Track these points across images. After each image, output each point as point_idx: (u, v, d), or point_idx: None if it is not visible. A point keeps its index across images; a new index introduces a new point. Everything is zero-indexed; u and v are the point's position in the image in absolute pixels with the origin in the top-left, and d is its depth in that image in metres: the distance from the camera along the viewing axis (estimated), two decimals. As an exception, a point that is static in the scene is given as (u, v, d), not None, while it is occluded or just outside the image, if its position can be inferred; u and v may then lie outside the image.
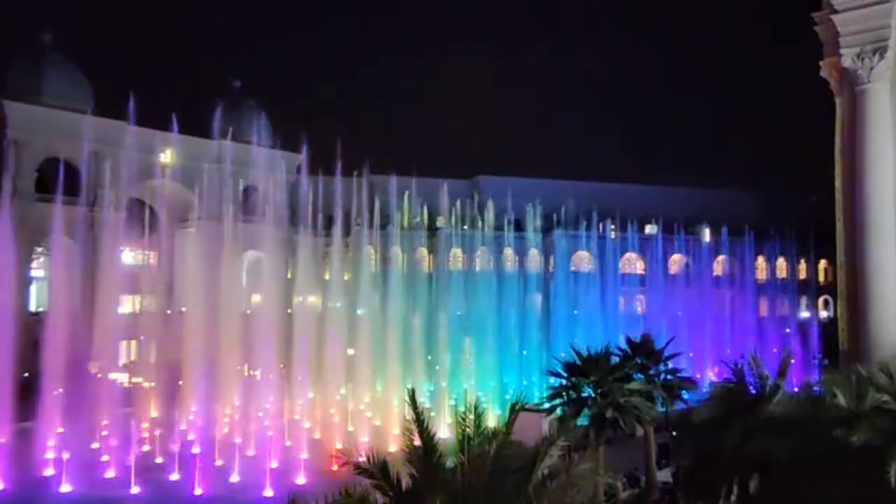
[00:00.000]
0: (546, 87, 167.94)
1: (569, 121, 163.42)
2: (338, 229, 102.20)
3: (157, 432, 50.65)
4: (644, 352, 39.29)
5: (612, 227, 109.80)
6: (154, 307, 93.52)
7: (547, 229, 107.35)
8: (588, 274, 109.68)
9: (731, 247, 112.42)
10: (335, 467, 43.50)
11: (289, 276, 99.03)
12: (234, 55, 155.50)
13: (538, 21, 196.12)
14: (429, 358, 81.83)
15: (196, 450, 46.62)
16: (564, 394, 33.40)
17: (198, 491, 39.78)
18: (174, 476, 42.07)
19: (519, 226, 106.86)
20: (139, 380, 73.79)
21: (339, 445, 48.96)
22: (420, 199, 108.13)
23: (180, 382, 67.70)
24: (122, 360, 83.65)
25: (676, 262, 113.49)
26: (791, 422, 24.51)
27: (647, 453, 38.47)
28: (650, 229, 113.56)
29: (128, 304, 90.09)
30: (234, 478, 42.18)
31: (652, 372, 38.12)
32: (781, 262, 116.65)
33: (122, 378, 75.05)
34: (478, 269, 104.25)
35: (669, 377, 39.12)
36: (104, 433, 51.65)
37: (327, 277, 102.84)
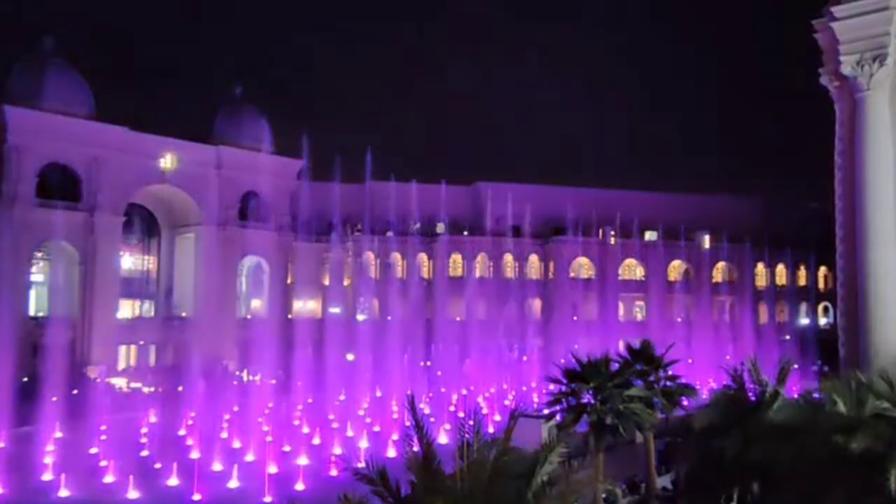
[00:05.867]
0: (546, 94, 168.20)
1: (569, 127, 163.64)
2: (338, 235, 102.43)
3: (156, 437, 50.53)
4: (644, 358, 39.15)
5: (612, 233, 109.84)
6: (153, 312, 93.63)
7: (547, 235, 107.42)
8: (588, 280, 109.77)
9: (731, 253, 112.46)
10: (334, 473, 43.48)
11: (289, 281, 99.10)
12: (235, 61, 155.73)
13: (538, 25, 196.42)
14: (428, 363, 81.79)
15: (195, 455, 46.51)
16: (564, 400, 33.30)
17: (196, 496, 39.65)
18: (173, 481, 41.94)
19: (518, 232, 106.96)
20: (138, 384, 73.71)
21: (338, 451, 48.88)
22: (420, 205, 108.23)
23: (179, 388, 67.64)
24: (121, 365, 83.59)
25: (676, 268, 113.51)
26: (791, 429, 24.47)
27: (647, 460, 38.40)
28: (650, 236, 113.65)
29: (127, 309, 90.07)
30: (233, 483, 42.06)
31: (651, 378, 38.01)
32: (781, 269, 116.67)
33: (120, 383, 74.95)
34: (477, 275, 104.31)
35: (669, 383, 39.00)
36: (103, 438, 51.51)
37: (327, 283, 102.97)
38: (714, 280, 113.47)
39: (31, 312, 79.10)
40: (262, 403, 62.33)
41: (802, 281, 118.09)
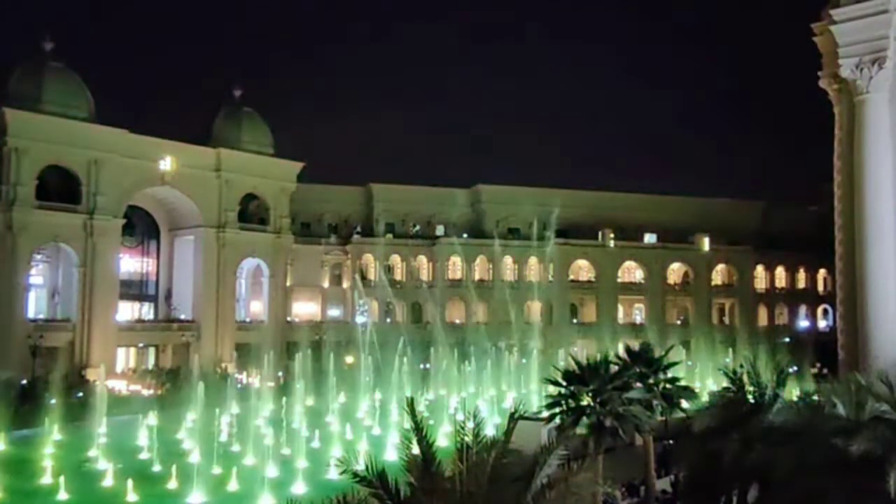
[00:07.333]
0: (548, 97, 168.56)
1: (570, 130, 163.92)
2: (337, 238, 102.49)
3: (155, 440, 50.45)
4: (643, 360, 39.20)
5: (612, 235, 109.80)
6: (152, 315, 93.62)
7: (546, 238, 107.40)
8: (587, 282, 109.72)
9: (731, 256, 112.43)
10: (333, 475, 43.35)
11: (288, 284, 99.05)
12: (235, 63, 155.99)
13: (538, 30, 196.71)
14: (427, 366, 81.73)
15: (194, 458, 46.42)
16: (563, 402, 33.30)
17: (195, 500, 39.62)
18: (172, 484, 41.87)
19: (518, 234, 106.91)
20: (137, 387, 73.60)
21: (337, 454, 48.80)
22: (420, 207, 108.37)
23: (178, 390, 67.48)
24: (121, 367, 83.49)
25: (676, 270, 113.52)
26: (790, 431, 24.52)
27: (646, 462, 38.39)
28: (649, 238, 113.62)
29: (126, 312, 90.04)
30: (232, 486, 42.00)
31: (651, 381, 38.03)
32: (780, 272, 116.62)
33: (119, 385, 74.83)
34: (477, 277, 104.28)
35: (668, 386, 39.03)
36: (102, 441, 51.42)
37: (326, 286, 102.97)
38: (713, 282, 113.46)
39: (31, 315, 79.01)
40: (262, 406, 62.26)
41: (802, 283, 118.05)
